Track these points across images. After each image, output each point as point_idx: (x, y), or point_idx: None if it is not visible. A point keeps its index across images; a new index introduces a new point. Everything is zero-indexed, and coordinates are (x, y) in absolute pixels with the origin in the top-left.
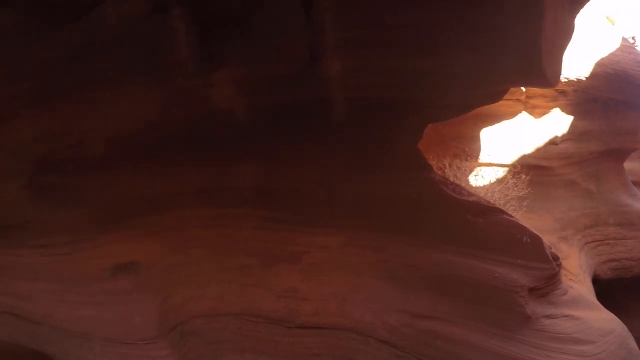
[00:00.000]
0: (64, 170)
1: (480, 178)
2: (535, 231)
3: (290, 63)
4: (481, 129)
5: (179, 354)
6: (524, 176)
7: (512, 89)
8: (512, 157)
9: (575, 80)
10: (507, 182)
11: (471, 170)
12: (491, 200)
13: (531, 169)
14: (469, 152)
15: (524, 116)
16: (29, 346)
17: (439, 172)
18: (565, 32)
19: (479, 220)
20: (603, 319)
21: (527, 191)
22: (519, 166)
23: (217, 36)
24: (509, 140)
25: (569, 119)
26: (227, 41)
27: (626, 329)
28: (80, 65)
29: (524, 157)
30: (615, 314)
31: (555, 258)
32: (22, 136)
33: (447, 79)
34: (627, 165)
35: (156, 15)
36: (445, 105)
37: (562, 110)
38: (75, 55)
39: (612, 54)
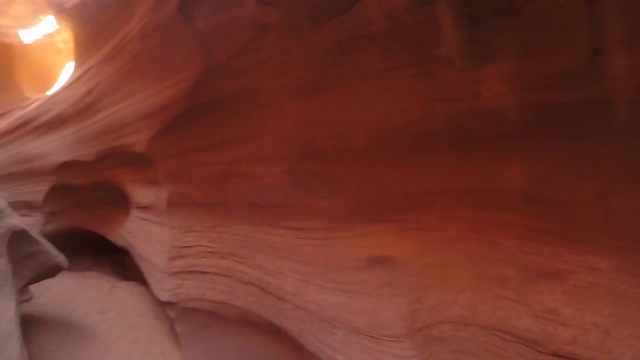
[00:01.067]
0: (326, 159)
1: None
2: None
3: (568, 58)
4: None
5: (422, 357)
6: None
7: None
8: None
9: None
10: None
11: None
12: None
13: None
14: None
15: None
16: (268, 318)
17: None
18: None
19: None
20: None
21: None
22: None
23: (486, 29)
24: None
25: None
26: (496, 34)
27: None
28: (343, 58)
29: None
30: None
31: None
32: (288, 124)
33: None
34: None
35: (421, 7)
36: None
37: None
38: (338, 49)
39: None
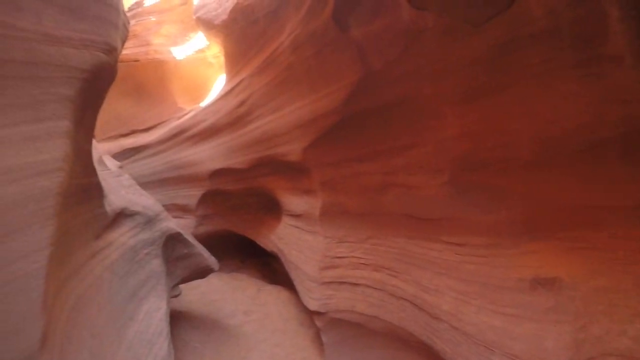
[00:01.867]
0: (487, 170)
1: None
2: None
3: None
4: None
5: None
6: None
7: None
8: None
9: None
10: None
11: None
12: None
13: None
14: None
15: None
16: (419, 336)
17: None
18: None
19: None
20: None
21: None
22: None
23: None
24: None
25: None
26: None
27: None
28: (503, 61)
29: None
30: None
31: None
32: (448, 133)
33: None
34: None
35: (584, 1)
36: None
37: None
38: (498, 51)
39: None
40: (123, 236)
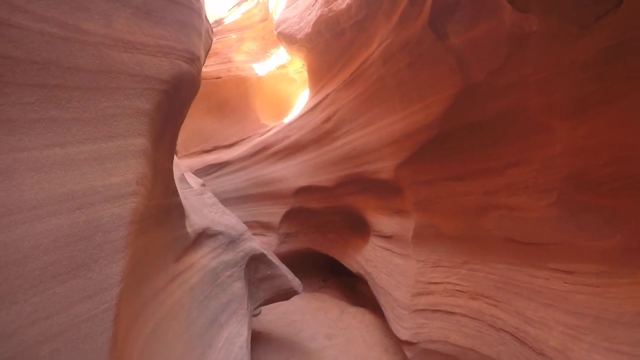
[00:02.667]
0: (601, 190)
1: None
2: None
3: None
4: None
5: None
6: None
7: None
8: None
9: None
10: None
11: None
12: None
13: None
14: None
15: None
16: None
17: None
18: None
19: None
20: None
21: None
22: None
23: None
24: None
25: None
26: None
27: None
28: (615, 67)
29: None
30: None
31: None
32: (556, 149)
33: None
34: None
35: None
36: None
37: None
38: (608, 56)
39: None
40: (204, 258)
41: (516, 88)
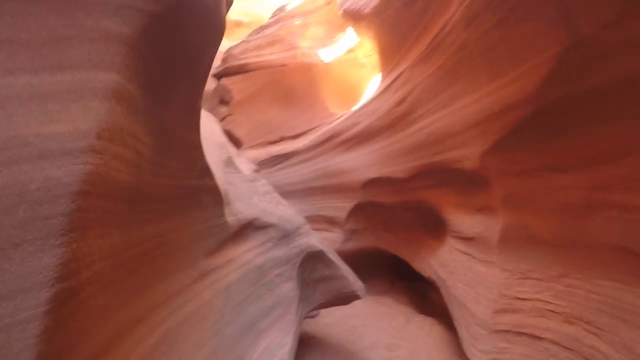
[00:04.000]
0: None
1: None
2: None
3: None
4: None
5: None
6: None
7: None
8: None
9: None
10: None
11: None
12: None
13: None
14: None
15: None
16: None
17: None
18: None
19: None
20: None
21: None
22: None
23: None
24: None
25: None
26: None
27: None
28: None
29: None
30: None
31: None
32: None
33: None
34: None
35: None
36: None
37: None
38: None
39: None
40: (249, 253)
41: (635, 48)
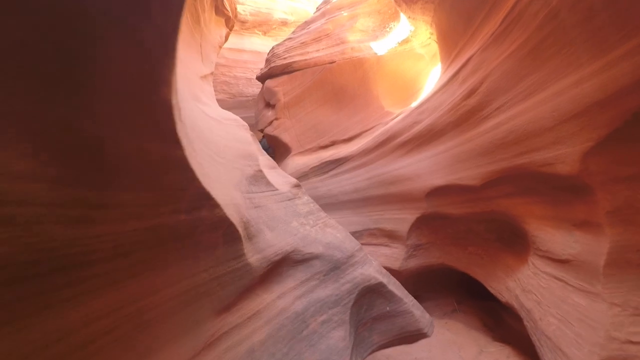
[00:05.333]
0: None
1: None
2: None
3: None
4: None
5: None
6: None
7: None
8: None
9: None
10: None
11: None
12: None
13: None
14: None
15: None
16: None
17: None
18: None
19: None
20: None
21: None
22: None
23: None
24: None
25: None
26: None
27: None
28: None
29: None
30: None
31: None
32: None
33: None
34: None
35: None
36: None
37: None
38: None
39: None
40: (284, 298)
41: None
